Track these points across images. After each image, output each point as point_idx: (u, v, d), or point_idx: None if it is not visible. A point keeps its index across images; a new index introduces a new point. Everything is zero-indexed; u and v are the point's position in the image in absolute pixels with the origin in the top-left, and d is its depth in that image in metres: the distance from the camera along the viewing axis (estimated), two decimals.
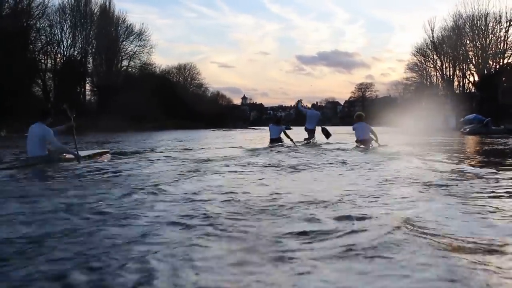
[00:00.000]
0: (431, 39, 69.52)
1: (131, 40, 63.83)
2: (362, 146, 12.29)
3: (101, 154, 10.03)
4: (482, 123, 32.53)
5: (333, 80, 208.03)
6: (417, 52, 73.71)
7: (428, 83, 72.56)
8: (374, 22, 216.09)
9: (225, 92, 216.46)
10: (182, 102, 70.48)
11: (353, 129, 12.98)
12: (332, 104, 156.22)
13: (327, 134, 16.17)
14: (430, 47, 70.75)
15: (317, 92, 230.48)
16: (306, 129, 16.04)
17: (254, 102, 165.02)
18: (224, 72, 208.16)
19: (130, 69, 64.35)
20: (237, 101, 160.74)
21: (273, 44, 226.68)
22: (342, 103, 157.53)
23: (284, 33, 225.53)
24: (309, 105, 19.01)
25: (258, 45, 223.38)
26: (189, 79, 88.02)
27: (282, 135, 14.54)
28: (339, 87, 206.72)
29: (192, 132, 37.64)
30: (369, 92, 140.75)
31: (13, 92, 38.43)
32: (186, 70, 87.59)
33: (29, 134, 8.06)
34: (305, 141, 15.25)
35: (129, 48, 64.15)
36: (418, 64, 74.89)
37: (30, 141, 8.06)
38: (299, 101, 18.74)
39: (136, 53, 64.45)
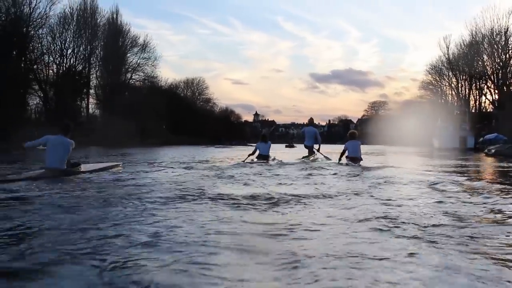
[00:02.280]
0: (446, 56, 67.36)
1: (135, 52, 61.73)
2: (352, 163, 12.49)
3: (112, 167, 10.25)
4: (509, 144, 28.62)
5: (346, 98, 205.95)
6: (431, 69, 71.68)
7: (442, 101, 70.12)
8: (388, 41, 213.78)
9: (238, 109, 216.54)
10: (189, 117, 68.87)
11: (346, 147, 13.18)
12: (345, 122, 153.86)
13: (315, 151, 15.81)
14: (445, 64, 68.67)
15: (330, 110, 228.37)
16: (305, 146, 15.93)
17: (267, 119, 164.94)
18: (237, 89, 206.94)
19: (134, 82, 62.43)
20: (249, 117, 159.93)
21: (286, 62, 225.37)
22: (355, 121, 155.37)
23: (297, 51, 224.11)
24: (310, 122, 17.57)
25: (271, 62, 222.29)
26: (196, 93, 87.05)
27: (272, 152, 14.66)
28: (352, 105, 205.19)
29: (185, 148, 35.11)
30: (382, 111, 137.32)
31: (5, 101, 36.01)
32: (194, 84, 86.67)
33: (51, 146, 8.15)
34: (303, 159, 15.06)
35: (133, 61, 62.05)
36: (433, 82, 72.92)
37: (52, 152, 8.15)
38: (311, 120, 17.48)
39: (140, 65, 62.53)
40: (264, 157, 14.08)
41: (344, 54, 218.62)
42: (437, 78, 71.45)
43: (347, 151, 13.15)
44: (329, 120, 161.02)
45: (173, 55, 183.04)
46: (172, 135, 57.70)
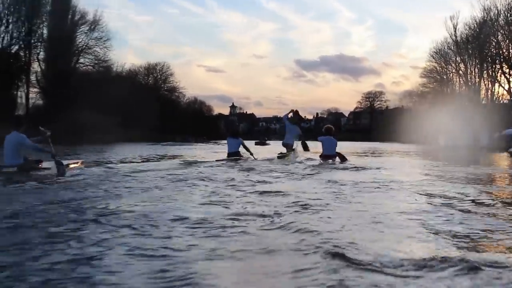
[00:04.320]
0: (454, 38, 66.47)
1: (86, 31, 59.88)
2: (327, 161, 13.28)
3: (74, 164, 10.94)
4: None
5: (337, 88, 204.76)
6: (436, 54, 71.08)
7: (449, 90, 69.78)
8: (384, 23, 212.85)
9: (213, 101, 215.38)
10: (150, 109, 67.25)
11: (320, 140, 13.84)
12: (335, 116, 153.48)
13: (305, 147, 16.42)
14: (452, 47, 67.85)
15: (318, 101, 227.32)
16: (283, 144, 16.47)
17: (245, 111, 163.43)
18: (212, 77, 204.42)
19: (82, 67, 60.75)
20: (226, 110, 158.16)
21: (269, 47, 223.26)
22: (347, 114, 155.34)
23: (281, 34, 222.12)
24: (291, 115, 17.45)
25: (251, 47, 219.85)
26: (160, 81, 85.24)
27: (241, 149, 15.01)
28: (344, 96, 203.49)
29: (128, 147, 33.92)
30: (378, 102, 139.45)
31: None
32: (157, 70, 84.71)
33: (5, 143, 9.27)
34: (278, 156, 15.44)
35: (81, 41, 60.03)
36: (437, 69, 72.52)
37: (6, 149, 9.28)
38: (291, 111, 17.55)
39: (90, 47, 60.52)
40: (233, 155, 14.50)
41: (334, 38, 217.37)
42: (442, 64, 70.93)
43: (321, 147, 13.91)
44: (317, 113, 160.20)
45: (137, 38, 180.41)
46: (129, 130, 55.44)
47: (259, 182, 7.85)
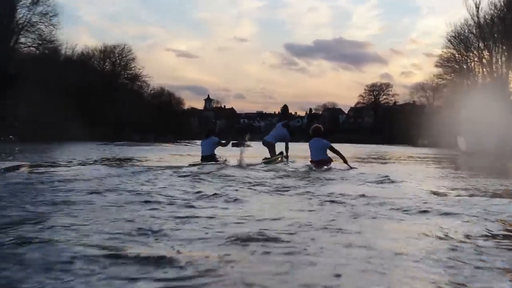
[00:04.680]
0: (476, 19, 66.07)
1: (28, 4, 59.18)
2: (316, 168, 13.40)
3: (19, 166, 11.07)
4: None
5: (335, 80, 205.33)
6: (454, 39, 70.81)
7: (469, 83, 69.67)
8: (392, 1, 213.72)
9: (184, 92, 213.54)
10: (105, 101, 68.31)
11: (309, 147, 14.17)
12: (332, 112, 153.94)
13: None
14: (473, 31, 67.59)
15: (312, 95, 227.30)
16: (263, 141, 16.97)
17: (223, 106, 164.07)
18: (183, 63, 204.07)
19: (25, 48, 60.44)
20: (200, 104, 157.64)
21: (253, 28, 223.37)
22: (346, 110, 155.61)
23: (268, 13, 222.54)
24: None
25: (232, 28, 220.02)
26: (118, 67, 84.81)
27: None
28: (343, 88, 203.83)
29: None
30: (384, 97, 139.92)
31: None
32: (116, 53, 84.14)
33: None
34: (264, 161, 15.75)
35: (22, 16, 59.42)
36: (456, 57, 72.28)
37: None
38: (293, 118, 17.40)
39: (33, 23, 59.64)
40: (206, 159, 14.91)
41: (332, 18, 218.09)
42: (462, 51, 70.60)
43: (310, 152, 14.07)
44: (311, 109, 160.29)
45: (92, 14, 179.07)
46: (78, 126, 54.82)
47: (226, 200, 7.06)
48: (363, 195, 7.16)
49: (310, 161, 14.02)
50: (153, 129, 68.90)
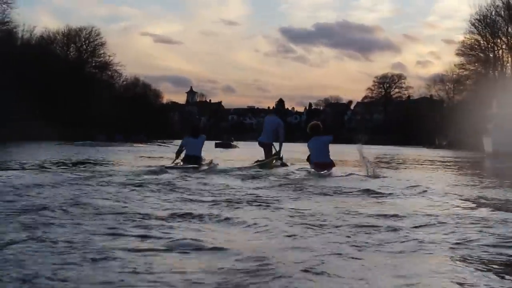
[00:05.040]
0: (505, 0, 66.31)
1: None
2: (318, 171, 13.53)
3: None
4: None
5: (339, 70, 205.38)
6: (479, 23, 70.70)
7: (496, 74, 69.72)
8: None
9: (163, 83, 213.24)
10: (68, 93, 68.54)
11: (308, 148, 14.31)
12: (336, 108, 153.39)
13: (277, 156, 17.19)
14: (502, 13, 67.86)
15: (313, 87, 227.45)
16: (259, 143, 17.32)
17: (208, 100, 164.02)
18: (162, 50, 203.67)
19: None
20: (181, 98, 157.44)
21: (243, 9, 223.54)
22: (352, 106, 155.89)
23: None
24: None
25: (219, 9, 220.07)
26: (85, 54, 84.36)
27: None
28: (349, 80, 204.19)
29: None
30: (396, 90, 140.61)
31: None
32: (82, 37, 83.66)
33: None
34: (256, 163, 16.06)
35: None
36: (481, 43, 72.46)
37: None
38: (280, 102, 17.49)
39: None
40: (193, 160, 14.95)
41: None
42: (488, 36, 70.82)
43: (310, 153, 14.21)
44: (310, 104, 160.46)
45: None
46: (35, 123, 55.74)
47: (197, 217, 6.50)
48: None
49: (314, 163, 13.94)
50: (125, 126, 68.27)
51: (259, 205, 7.80)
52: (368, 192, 9.47)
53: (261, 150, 17.30)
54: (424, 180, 13.41)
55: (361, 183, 11.18)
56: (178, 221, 5.88)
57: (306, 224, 6.11)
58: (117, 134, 56.88)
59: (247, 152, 32.49)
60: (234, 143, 53.73)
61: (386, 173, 15.71)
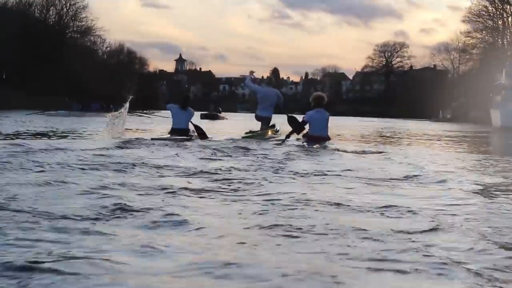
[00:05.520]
0: None
1: None
2: (310, 144, 13.63)
3: None
4: None
5: (337, 37, 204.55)
6: None
7: (505, 42, 69.54)
8: None
9: (151, 50, 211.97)
10: (48, 60, 67.64)
11: (307, 119, 14.21)
12: (334, 78, 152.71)
13: (296, 126, 15.66)
14: None
15: (309, 56, 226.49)
16: (256, 117, 17.18)
17: (198, 68, 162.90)
18: (150, 15, 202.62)
19: None
20: (170, 66, 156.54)
21: None
22: (351, 76, 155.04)
23: None
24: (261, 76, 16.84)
25: None
26: (66, 18, 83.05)
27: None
28: (347, 49, 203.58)
29: None
30: (398, 60, 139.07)
31: None
32: (62, 1, 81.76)
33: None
34: (247, 134, 16.26)
35: None
36: (489, 10, 72.09)
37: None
38: (251, 73, 18.89)
39: None
40: (180, 132, 15.01)
41: None
42: (497, 2, 70.61)
43: (308, 125, 14.18)
44: (307, 74, 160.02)
45: None
46: (13, 90, 56.08)
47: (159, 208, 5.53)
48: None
49: (308, 136, 14.09)
50: (108, 95, 67.82)
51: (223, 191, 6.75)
52: (364, 173, 8.67)
53: (256, 123, 17.32)
54: (429, 160, 12.39)
55: (355, 162, 10.72)
56: (105, 221, 4.67)
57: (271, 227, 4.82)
58: (93, 103, 56.33)
59: (237, 125, 32.45)
60: (222, 114, 53.24)
61: (385, 149, 15.14)
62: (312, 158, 11.10)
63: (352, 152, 12.91)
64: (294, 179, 8.23)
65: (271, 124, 17.30)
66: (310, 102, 14.59)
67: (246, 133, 16.57)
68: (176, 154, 11.24)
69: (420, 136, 27.41)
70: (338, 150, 13.07)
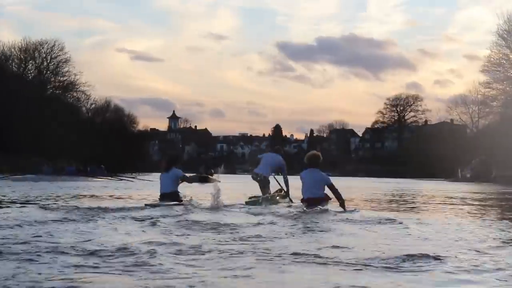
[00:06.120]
0: None
1: None
2: (306, 208, 13.59)
3: None
4: None
5: (345, 91, 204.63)
6: (507, 33, 70.32)
7: None
8: None
9: (142, 107, 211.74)
10: (26, 117, 67.92)
11: (301, 179, 14.50)
12: (342, 135, 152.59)
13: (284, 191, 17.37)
14: None
15: (315, 112, 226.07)
16: (253, 175, 17.47)
17: (194, 126, 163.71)
18: (141, 68, 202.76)
19: None
20: (162, 124, 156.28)
21: (234, 21, 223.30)
22: (360, 133, 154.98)
23: (255, 2, 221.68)
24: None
25: (207, 22, 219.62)
26: (46, 71, 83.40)
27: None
28: (356, 103, 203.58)
29: None
30: (412, 114, 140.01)
31: None
32: (43, 52, 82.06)
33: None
34: (248, 201, 16.16)
35: None
36: (510, 57, 71.64)
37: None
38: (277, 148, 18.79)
39: None
40: (166, 197, 15.11)
41: (340, 8, 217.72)
42: None
43: (301, 188, 14.38)
44: (312, 131, 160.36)
45: (16, 3, 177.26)
46: None
47: None
48: None
49: (301, 200, 14.22)
50: (89, 157, 67.29)
51: None
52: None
53: (253, 185, 17.81)
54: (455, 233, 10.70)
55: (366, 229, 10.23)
56: None
57: None
58: (68, 166, 55.54)
59: (233, 188, 31.45)
60: (215, 176, 51.63)
61: (399, 216, 13.86)
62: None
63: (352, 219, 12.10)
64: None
65: (277, 189, 17.45)
66: (304, 161, 14.68)
67: (250, 198, 16.50)
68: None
69: (438, 200, 25.69)
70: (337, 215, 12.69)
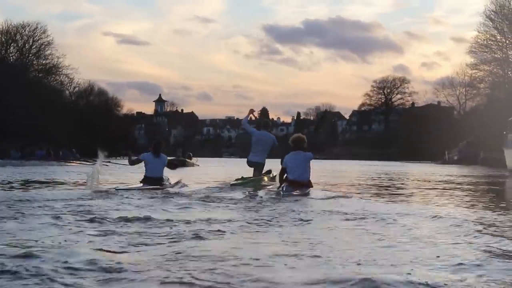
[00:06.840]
0: None
1: None
2: (291, 190, 13.68)
3: None
4: None
5: (332, 73, 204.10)
6: (495, 14, 70.04)
7: None
8: None
9: (129, 91, 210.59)
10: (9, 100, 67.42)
11: (284, 163, 14.49)
12: (328, 117, 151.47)
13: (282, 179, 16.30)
14: None
15: (301, 95, 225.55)
16: (248, 163, 17.18)
17: (180, 110, 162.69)
18: (128, 52, 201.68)
19: None
20: (148, 107, 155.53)
21: (221, 4, 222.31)
22: (347, 115, 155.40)
23: None
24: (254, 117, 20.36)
25: (193, 5, 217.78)
26: (29, 54, 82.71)
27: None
28: (343, 85, 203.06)
29: None
30: (399, 96, 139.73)
31: None
32: (24, 36, 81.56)
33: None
34: (236, 181, 16.19)
35: None
36: (498, 38, 71.63)
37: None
38: (251, 112, 18.20)
39: None
40: (154, 181, 15.17)
41: None
42: (506, 31, 70.13)
43: (286, 169, 14.39)
44: (299, 113, 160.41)
45: None
46: None
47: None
48: None
49: (289, 181, 14.09)
50: (70, 141, 66.64)
51: None
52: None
53: (240, 168, 18.09)
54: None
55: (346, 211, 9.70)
56: None
57: None
58: (39, 150, 54.78)
59: (208, 173, 31.36)
60: (193, 160, 50.82)
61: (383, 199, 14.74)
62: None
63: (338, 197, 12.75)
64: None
65: (266, 170, 17.30)
66: (289, 143, 14.75)
67: (237, 179, 16.38)
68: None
69: (427, 182, 25.23)
70: (312, 200, 12.54)
